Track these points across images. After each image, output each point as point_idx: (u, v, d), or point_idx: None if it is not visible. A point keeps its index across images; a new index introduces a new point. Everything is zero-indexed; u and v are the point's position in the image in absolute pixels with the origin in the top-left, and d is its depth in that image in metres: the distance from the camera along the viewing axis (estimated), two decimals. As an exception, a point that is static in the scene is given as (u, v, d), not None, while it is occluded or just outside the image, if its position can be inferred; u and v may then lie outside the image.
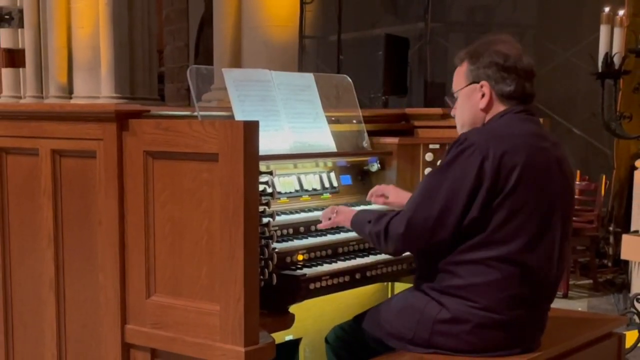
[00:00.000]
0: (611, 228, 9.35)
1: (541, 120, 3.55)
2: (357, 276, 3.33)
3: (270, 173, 3.04)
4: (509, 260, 2.99)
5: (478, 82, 3.16)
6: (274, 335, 2.86)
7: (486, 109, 3.17)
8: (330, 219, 3.39)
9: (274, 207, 3.13)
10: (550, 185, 3.08)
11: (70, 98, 13.88)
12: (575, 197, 8.76)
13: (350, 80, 4.09)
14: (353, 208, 3.39)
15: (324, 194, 3.78)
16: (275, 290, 2.97)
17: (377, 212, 3.21)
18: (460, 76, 3.25)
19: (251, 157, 2.65)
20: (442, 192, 2.97)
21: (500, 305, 3.01)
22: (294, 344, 3.75)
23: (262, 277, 2.89)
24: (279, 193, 3.54)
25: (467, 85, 3.20)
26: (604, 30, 4.65)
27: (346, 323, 3.45)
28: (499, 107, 3.16)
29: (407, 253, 3.39)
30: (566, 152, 3.27)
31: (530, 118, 3.17)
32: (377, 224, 3.10)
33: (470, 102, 3.20)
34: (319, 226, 3.39)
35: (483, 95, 3.16)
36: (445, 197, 2.96)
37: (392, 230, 3.04)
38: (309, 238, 3.38)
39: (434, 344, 3.07)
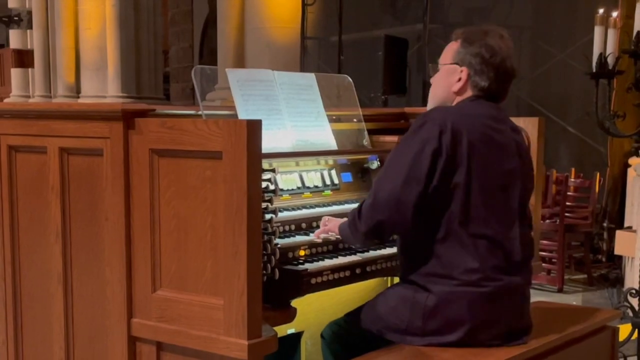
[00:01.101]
0: (605, 224, 9.36)
1: (536, 119, 3.56)
2: (357, 271, 3.33)
3: (273, 170, 3.04)
4: (476, 235, 3.04)
5: (461, 66, 3.21)
6: (276, 328, 2.86)
7: (458, 93, 3.24)
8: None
9: (277, 203, 3.13)
10: (508, 164, 3.15)
11: (78, 97, 13.86)
12: (570, 194, 8.84)
13: (351, 80, 4.09)
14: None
15: (325, 191, 3.77)
16: (277, 284, 2.97)
17: None
18: (449, 52, 3.29)
19: (254, 155, 2.65)
20: (405, 163, 3.02)
21: (480, 278, 3.03)
22: (296, 337, 3.76)
23: (265, 272, 2.89)
24: (282, 190, 3.53)
25: (450, 64, 3.26)
26: (598, 31, 4.65)
27: (341, 319, 3.45)
28: (468, 94, 3.23)
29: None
30: (524, 140, 3.37)
31: (493, 105, 3.23)
32: (352, 212, 3.17)
33: (448, 80, 3.27)
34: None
35: (459, 80, 3.22)
36: (408, 166, 3.01)
37: (363, 207, 3.10)
38: (311, 234, 3.38)
39: (428, 331, 3.07)
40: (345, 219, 3.28)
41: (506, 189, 3.13)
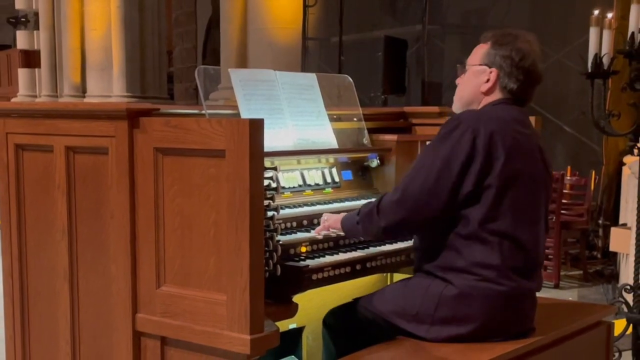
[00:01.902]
0: (600, 221, 9.35)
1: (533, 118, 3.56)
2: (358, 267, 3.33)
3: (275, 169, 3.04)
4: (502, 234, 3.03)
5: (490, 67, 3.20)
6: (278, 323, 2.86)
7: (486, 93, 3.22)
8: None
9: (279, 201, 3.13)
10: (534, 168, 3.15)
11: (84, 97, 13.88)
12: (566, 191, 8.83)
13: (351, 80, 4.08)
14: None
15: (326, 189, 3.77)
16: (279, 280, 2.97)
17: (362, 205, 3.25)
18: (478, 53, 3.27)
19: (256, 153, 2.65)
20: (436, 164, 3.01)
21: (500, 276, 3.03)
22: (298, 332, 3.76)
23: (267, 268, 2.88)
24: (283, 188, 3.53)
25: (479, 65, 3.24)
26: (593, 32, 4.64)
27: (345, 304, 3.44)
28: (496, 96, 3.21)
29: (402, 245, 3.43)
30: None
31: (518, 109, 3.22)
32: (366, 206, 3.16)
33: (476, 80, 3.24)
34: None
35: (488, 80, 3.20)
36: (439, 168, 3.00)
37: (384, 202, 3.09)
38: (312, 231, 3.38)
39: (438, 319, 3.06)
40: (345, 214, 3.29)
41: (533, 192, 3.13)
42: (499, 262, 3.03)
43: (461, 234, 3.04)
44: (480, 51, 3.26)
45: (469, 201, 3.01)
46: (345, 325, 3.38)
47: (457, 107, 3.33)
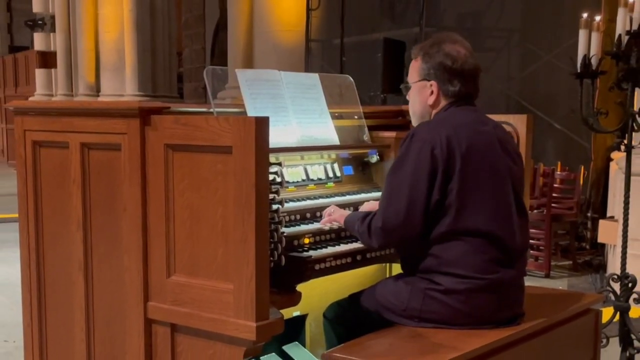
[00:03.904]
0: (589, 214, 9.34)
1: (525, 116, 3.55)
2: (358, 258, 3.33)
3: (280, 164, 3.04)
4: (473, 232, 3.03)
5: (428, 80, 3.22)
6: (282, 311, 2.86)
7: (434, 105, 3.25)
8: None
9: (283, 195, 3.12)
10: (497, 162, 3.13)
11: (98, 96, 13.89)
12: (556, 186, 8.82)
13: (352, 79, 4.08)
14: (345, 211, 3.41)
15: (328, 183, 3.77)
16: (283, 270, 2.97)
17: (364, 212, 3.26)
18: (414, 70, 3.30)
19: (262, 149, 2.65)
20: (405, 185, 3.01)
21: (479, 270, 3.03)
22: (301, 319, 3.75)
23: (272, 258, 2.88)
24: (287, 182, 3.52)
25: (419, 81, 3.27)
26: (582, 34, 4.63)
27: (343, 299, 3.45)
28: (444, 103, 3.23)
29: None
30: (508, 134, 3.38)
31: (469, 108, 3.23)
32: (362, 223, 3.14)
33: (421, 96, 3.28)
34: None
35: (432, 93, 3.23)
36: (408, 189, 3.00)
37: (373, 227, 3.08)
38: (315, 223, 3.37)
39: (425, 314, 3.07)
40: (349, 214, 3.29)
41: (498, 185, 3.11)
42: (476, 259, 3.03)
43: (434, 239, 3.04)
44: (415, 67, 3.28)
45: (437, 208, 3.02)
46: (343, 319, 3.39)
47: (414, 121, 3.37)
